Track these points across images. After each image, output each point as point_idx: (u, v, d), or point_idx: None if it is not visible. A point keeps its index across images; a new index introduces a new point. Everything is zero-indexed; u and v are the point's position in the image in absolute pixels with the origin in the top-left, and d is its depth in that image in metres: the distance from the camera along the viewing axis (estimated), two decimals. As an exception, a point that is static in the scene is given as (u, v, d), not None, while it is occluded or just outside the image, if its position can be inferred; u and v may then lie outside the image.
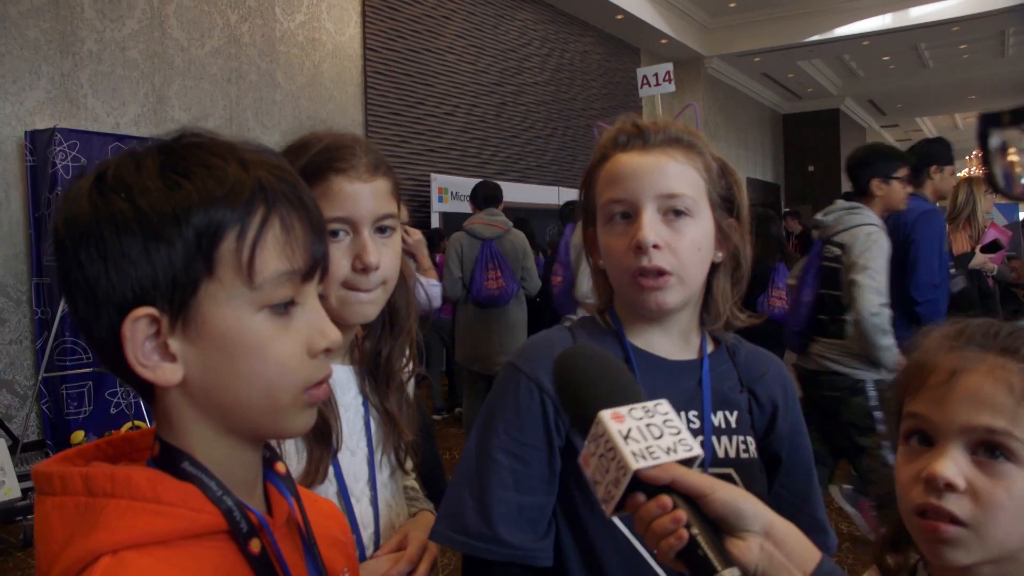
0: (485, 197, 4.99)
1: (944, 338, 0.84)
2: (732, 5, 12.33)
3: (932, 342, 0.85)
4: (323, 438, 1.08)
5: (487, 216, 4.89)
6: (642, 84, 5.30)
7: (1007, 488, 0.76)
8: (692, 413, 1.06)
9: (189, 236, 0.60)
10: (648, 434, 0.71)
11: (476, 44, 9.31)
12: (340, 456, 1.12)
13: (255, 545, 0.65)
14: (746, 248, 1.11)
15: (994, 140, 0.37)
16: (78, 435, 4.91)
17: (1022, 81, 16.60)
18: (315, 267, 0.67)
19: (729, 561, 0.66)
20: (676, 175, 1.04)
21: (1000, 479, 0.77)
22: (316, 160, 1.06)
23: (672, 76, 5.19)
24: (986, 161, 0.38)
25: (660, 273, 1.01)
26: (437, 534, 1.06)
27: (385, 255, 1.09)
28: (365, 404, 1.18)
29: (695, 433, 1.05)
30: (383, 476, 1.19)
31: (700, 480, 0.70)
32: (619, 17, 11.17)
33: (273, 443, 0.76)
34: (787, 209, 11.08)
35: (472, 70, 9.24)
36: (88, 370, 4.95)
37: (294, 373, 0.65)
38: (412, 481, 1.35)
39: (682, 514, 0.67)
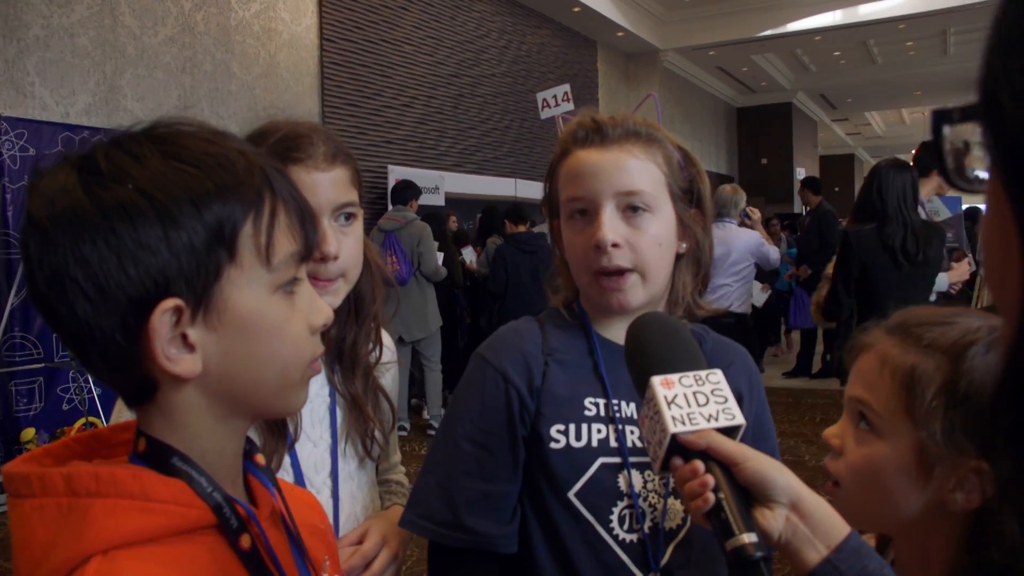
0: (395, 196, 6.20)
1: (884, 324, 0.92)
2: (687, -1, 12.48)
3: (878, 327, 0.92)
4: (278, 428, 1.08)
5: (393, 212, 6.06)
6: (543, 106, 5.43)
7: (866, 455, 0.85)
8: None
9: (211, 222, 0.61)
10: (693, 401, 0.74)
11: (433, 35, 9.27)
12: (300, 446, 1.12)
13: (245, 541, 0.65)
14: (708, 239, 1.12)
15: (947, 135, 0.41)
16: (28, 432, 4.80)
17: (963, 78, 17.04)
18: (311, 247, 0.69)
19: (750, 527, 0.68)
20: (635, 171, 1.04)
21: (862, 445, 0.86)
22: (273, 150, 1.05)
23: (570, 96, 5.47)
24: (939, 156, 0.41)
25: (620, 272, 1.02)
26: (405, 520, 1.08)
27: (345, 244, 1.09)
28: (332, 394, 1.18)
29: None
30: (349, 467, 1.19)
31: (734, 448, 0.72)
32: (575, 10, 11.20)
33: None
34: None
35: (429, 61, 9.19)
36: (39, 365, 4.85)
37: (303, 350, 0.68)
38: (400, 475, 1.35)
39: (710, 479, 0.71)
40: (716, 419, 0.74)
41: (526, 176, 10.46)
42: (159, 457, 0.64)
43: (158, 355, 0.60)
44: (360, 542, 1.13)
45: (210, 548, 0.64)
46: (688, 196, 1.10)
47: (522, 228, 6.45)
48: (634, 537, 1.03)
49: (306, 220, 0.68)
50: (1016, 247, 0.34)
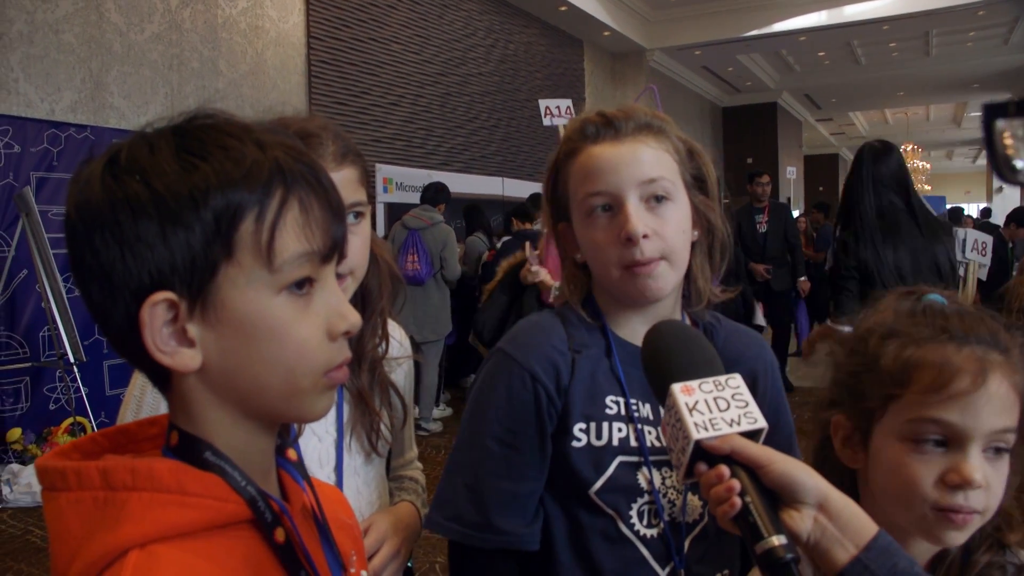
0: (425, 195, 6.29)
1: (933, 329, 0.85)
2: (673, -1, 12.53)
3: (919, 333, 0.86)
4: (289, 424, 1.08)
5: (420, 211, 6.06)
6: (545, 114, 5.35)
7: (1003, 476, 0.83)
8: None
9: (207, 219, 0.59)
10: (714, 407, 0.74)
11: (421, 34, 9.26)
12: (304, 441, 1.13)
13: (280, 534, 0.65)
14: (720, 223, 1.11)
15: (999, 129, 0.40)
16: (14, 432, 4.75)
17: (945, 80, 17.26)
18: (334, 248, 0.66)
19: (779, 529, 0.68)
20: (652, 161, 1.04)
21: (1000, 470, 0.83)
22: None
23: (573, 111, 5.32)
24: (990, 149, 0.41)
25: (650, 260, 1.02)
26: (431, 522, 1.07)
27: (353, 243, 1.09)
28: (339, 390, 1.18)
29: None
30: (355, 462, 1.19)
31: (759, 451, 0.72)
32: (562, 9, 11.22)
33: None
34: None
35: (417, 60, 9.18)
36: (25, 365, 4.81)
37: (313, 356, 0.65)
38: (416, 472, 1.35)
39: (736, 483, 0.70)
40: (738, 423, 0.73)
41: (513, 175, 10.47)
42: (192, 451, 0.64)
43: (149, 346, 0.60)
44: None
45: (245, 542, 0.64)
46: (699, 184, 1.10)
47: (528, 226, 6.50)
48: (654, 532, 1.04)
49: (332, 219, 0.66)
50: None
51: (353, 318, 0.67)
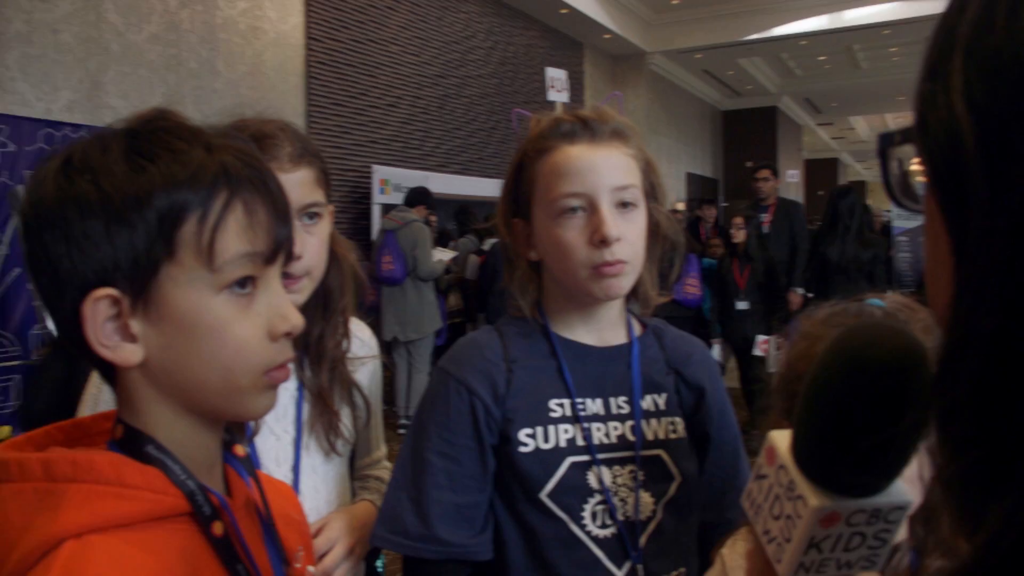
0: (406, 198, 6.53)
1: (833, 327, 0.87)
2: (675, 2, 12.51)
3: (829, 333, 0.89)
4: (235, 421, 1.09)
5: (395, 213, 6.28)
6: (550, 86, 5.32)
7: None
8: (622, 399, 1.10)
9: (151, 219, 0.61)
10: (844, 544, 0.55)
11: (420, 36, 9.26)
12: (262, 439, 1.13)
13: (217, 528, 0.66)
14: (668, 223, 1.13)
15: (891, 157, 0.43)
16: (4, 430, 4.76)
17: (948, 84, 17.20)
18: (278, 250, 0.68)
19: None
20: (625, 168, 1.06)
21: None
22: None
23: (567, 85, 5.44)
24: (885, 175, 0.43)
25: (618, 262, 1.04)
26: (376, 537, 1.08)
27: (310, 244, 1.10)
28: (300, 389, 1.19)
29: (624, 418, 1.09)
30: (313, 461, 1.19)
31: None
32: (563, 11, 11.23)
33: None
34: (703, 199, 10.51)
35: (416, 62, 9.19)
36: (16, 363, 4.81)
37: (253, 355, 0.66)
38: (383, 471, 1.35)
39: None
40: (850, 567, 0.55)
41: (512, 177, 10.47)
42: (135, 444, 0.65)
43: (90, 340, 0.62)
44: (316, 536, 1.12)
45: (183, 535, 0.65)
46: (653, 191, 1.12)
47: None
48: (607, 532, 1.05)
49: (276, 222, 0.67)
50: (947, 255, 0.36)
51: (295, 319, 0.68)
